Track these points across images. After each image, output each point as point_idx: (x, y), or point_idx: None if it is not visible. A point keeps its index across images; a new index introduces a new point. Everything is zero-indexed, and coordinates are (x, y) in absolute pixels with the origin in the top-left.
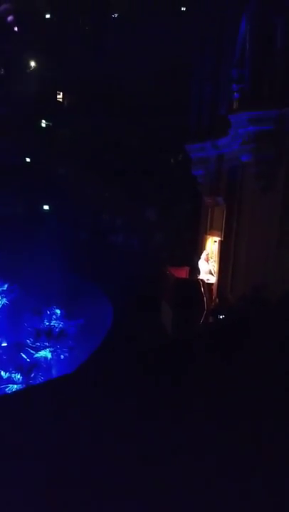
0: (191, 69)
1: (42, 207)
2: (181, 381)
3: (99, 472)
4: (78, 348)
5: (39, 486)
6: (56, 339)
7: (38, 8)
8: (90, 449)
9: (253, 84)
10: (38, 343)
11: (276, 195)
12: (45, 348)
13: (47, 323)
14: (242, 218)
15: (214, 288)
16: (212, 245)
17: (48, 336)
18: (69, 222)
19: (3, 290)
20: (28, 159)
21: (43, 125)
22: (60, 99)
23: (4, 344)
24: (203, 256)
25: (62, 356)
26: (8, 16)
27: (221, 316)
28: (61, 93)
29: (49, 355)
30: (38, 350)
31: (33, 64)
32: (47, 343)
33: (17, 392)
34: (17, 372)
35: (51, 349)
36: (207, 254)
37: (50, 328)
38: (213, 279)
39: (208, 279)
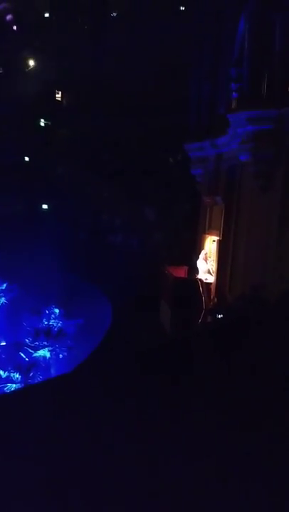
0: (189, 68)
1: (41, 206)
2: (180, 381)
3: (98, 472)
4: (77, 348)
5: (39, 485)
6: (55, 339)
7: (37, 7)
8: (89, 448)
9: (252, 83)
10: (37, 343)
11: (275, 194)
12: (43, 347)
13: (46, 323)
14: (240, 218)
15: (213, 287)
16: (211, 245)
17: (47, 336)
18: (68, 221)
19: (2, 289)
20: (27, 159)
21: (42, 124)
22: (59, 99)
23: (3, 343)
24: (201, 255)
25: (61, 356)
26: (7, 15)
27: (219, 316)
28: (60, 92)
29: (48, 355)
30: (36, 349)
31: (31, 63)
32: (46, 343)
33: (16, 391)
34: (16, 371)
35: (50, 348)
36: (206, 254)
37: (49, 328)
38: (211, 279)
39: (206, 279)
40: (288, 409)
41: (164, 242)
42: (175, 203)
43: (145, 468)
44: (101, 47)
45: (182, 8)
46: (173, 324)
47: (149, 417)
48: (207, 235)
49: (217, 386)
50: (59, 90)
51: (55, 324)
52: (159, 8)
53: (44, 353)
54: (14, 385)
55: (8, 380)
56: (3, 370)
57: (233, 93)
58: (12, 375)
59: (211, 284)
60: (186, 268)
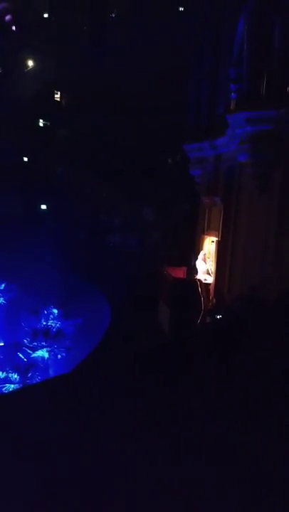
0: (189, 68)
1: (40, 206)
2: (179, 381)
3: (97, 471)
4: (75, 348)
5: (38, 485)
6: (53, 339)
7: (36, 7)
8: (87, 448)
9: (251, 84)
10: (36, 343)
11: (273, 195)
12: (42, 347)
13: (44, 323)
14: (239, 218)
15: (211, 288)
16: (209, 245)
17: (46, 336)
18: (67, 221)
19: (0, 290)
20: (26, 159)
21: (41, 125)
22: (58, 99)
23: (1, 344)
24: (200, 256)
25: (59, 356)
26: (6, 15)
27: (218, 316)
28: (59, 92)
29: (46, 355)
30: (35, 349)
31: (31, 63)
32: (44, 343)
33: (14, 391)
34: (14, 371)
35: (48, 349)
36: (204, 254)
37: (48, 328)
38: (210, 279)
39: (205, 279)
40: (287, 408)
41: (163, 242)
42: (174, 204)
43: (144, 468)
44: (100, 47)
45: (181, 8)
46: (172, 325)
47: (147, 416)
48: (206, 236)
49: (215, 386)
50: (58, 90)
51: (53, 324)
52: (159, 9)
53: (42, 353)
54: (12, 386)
55: (7, 380)
56: (1, 370)
57: (232, 94)
58: (10, 375)
59: (209, 284)
60: (184, 268)
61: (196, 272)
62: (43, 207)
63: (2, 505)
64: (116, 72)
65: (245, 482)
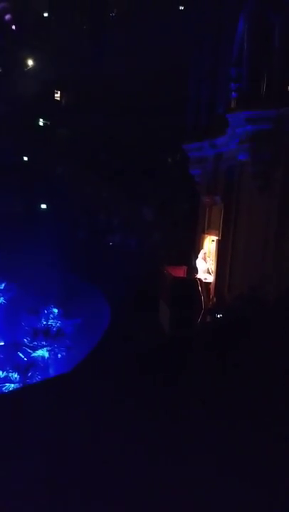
0: (189, 68)
1: (40, 206)
2: (179, 380)
3: (98, 471)
4: (75, 348)
5: (38, 485)
6: (53, 338)
7: (36, 6)
8: (88, 448)
9: (251, 83)
10: (36, 342)
11: (273, 194)
12: (42, 347)
13: (44, 323)
14: (239, 218)
15: (212, 287)
16: (210, 244)
17: (46, 335)
18: (67, 221)
19: (0, 289)
20: (25, 158)
21: (41, 124)
22: (58, 98)
23: (1, 343)
24: (200, 255)
25: (59, 355)
26: (6, 14)
27: (218, 316)
28: (59, 92)
29: (46, 355)
30: (35, 349)
31: (30, 63)
32: (44, 343)
33: (14, 391)
34: (14, 371)
35: (48, 348)
36: (205, 254)
37: (48, 328)
38: (210, 279)
39: (205, 278)
40: (287, 408)
41: (163, 241)
42: (174, 203)
43: (144, 467)
44: (100, 46)
45: (181, 7)
46: (172, 324)
47: (147, 416)
48: (206, 235)
49: (215, 386)
50: (58, 90)
51: (53, 324)
52: (159, 8)
53: (42, 352)
54: (12, 385)
55: (7, 379)
56: (1, 370)
57: (232, 93)
58: (10, 374)
59: (210, 283)
60: (185, 268)
61: (196, 271)
62: (43, 206)
63: (2, 504)
64: (116, 71)
65: (245, 481)
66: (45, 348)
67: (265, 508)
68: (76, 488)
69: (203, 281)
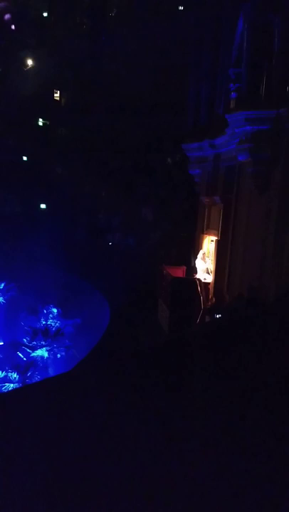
0: (188, 68)
1: (39, 206)
2: (178, 381)
3: (98, 472)
4: (75, 347)
5: (38, 486)
6: (53, 338)
7: (36, 6)
8: (88, 448)
9: (251, 83)
10: (35, 342)
11: (273, 194)
12: (41, 347)
13: (43, 322)
14: (239, 217)
15: (211, 287)
16: (209, 244)
17: (45, 335)
18: (66, 221)
19: (0, 289)
20: (25, 158)
21: (41, 124)
22: (58, 98)
23: (1, 343)
24: (199, 255)
25: (58, 355)
26: (6, 14)
27: (217, 316)
28: (58, 92)
29: (46, 354)
30: (34, 349)
31: (30, 62)
32: (43, 342)
33: (13, 391)
34: (13, 371)
35: (48, 348)
36: (204, 254)
37: (47, 327)
38: (209, 278)
39: (204, 278)
40: (287, 408)
41: (162, 241)
42: (173, 203)
43: (145, 469)
44: (100, 46)
45: (181, 8)
46: (171, 324)
47: (147, 416)
48: (205, 235)
49: (215, 386)
50: (57, 89)
51: (53, 324)
52: (159, 8)
53: (42, 352)
54: (12, 385)
55: (6, 379)
56: (0, 369)
57: (232, 93)
58: (10, 374)
59: (209, 283)
60: (184, 268)
61: (195, 271)
62: (43, 206)
63: (1, 505)
64: (116, 71)
65: (245, 481)
66: (44, 348)
67: (267, 508)
68: (77, 489)
69: (203, 281)
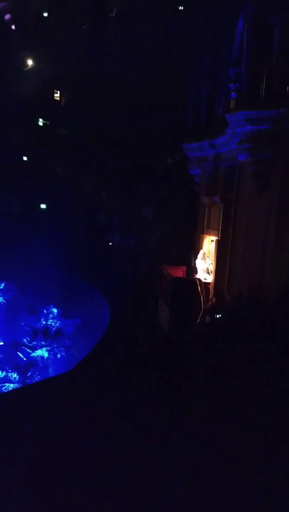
0: (188, 68)
1: (39, 206)
2: (178, 380)
3: (98, 472)
4: (75, 347)
5: (38, 487)
6: (53, 338)
7: (36, 6)
8: (88, 448)
9: (250, 83)
10: (35, 342)
11: (273, 194)
12: (41, 347)
13: (44, 322)
14: (239, 217)
15: (211, 287)
16: (209, 244)
17: (45, 335)
18: (66, 221)
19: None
20: (25, 158)
21: (41, 124)
22: (58, 98)
23: (1, 343)
24: (200, 255)
25: (58, 355)
26: (6, 14)
27: (217, 315)
28: (58, 92)
29: (46, 354)
30: (34, 349)
31: (30, 62)
32: (43, 342)
33: (13, 391)
34: (13, 371)
35: (48, 348)
36: (204, 254)
37: (47, 328)
38: (210, 278)
39: (205, 278)
40: (287, 408)
41: (162, 241)
42: (173, 203)
43: (145, 470)
44: (100, 46)
45: (181, 8)
46: (171, 324)
47: (147, 416)
48: (205, 235)
49: (216, 386)
50: (58, 89)
51: (53, 324)
52: (159, 8)
53: (42, 352)
54: (12, 385)
55: (6, 379)
56: (0, 369)
57: (232, 93)
58: (10, 374)
59: (209, 283)
60: (184, 268)
61: (195, 271)
62: (42, 206)
63: (1, 505)
64: (116, 71)
65: (245, 480)
66: (44, 348)
67: (267, 509)
68: (77, 489)
69: (203, 281)
